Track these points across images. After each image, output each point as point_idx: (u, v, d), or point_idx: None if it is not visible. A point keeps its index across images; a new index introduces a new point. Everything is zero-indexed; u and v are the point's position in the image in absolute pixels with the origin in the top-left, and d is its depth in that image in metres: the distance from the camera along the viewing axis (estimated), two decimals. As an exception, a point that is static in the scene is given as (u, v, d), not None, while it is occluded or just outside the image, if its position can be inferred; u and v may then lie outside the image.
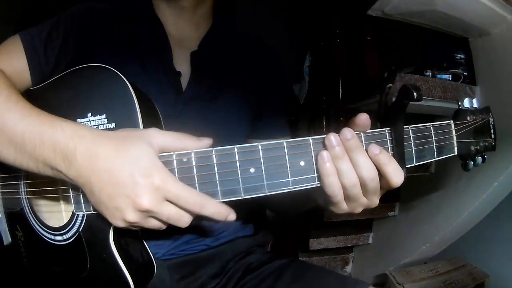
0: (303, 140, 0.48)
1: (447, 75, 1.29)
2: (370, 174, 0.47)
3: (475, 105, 0.57)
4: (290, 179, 0.48)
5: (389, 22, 1.25)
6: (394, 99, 0.48)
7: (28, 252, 0.65)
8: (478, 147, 0.55)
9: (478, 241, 1.27)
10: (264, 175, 0.48)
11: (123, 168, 0.45)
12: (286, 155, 0.48)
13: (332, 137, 0.47)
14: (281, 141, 0.48)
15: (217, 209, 0.48)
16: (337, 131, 0.48)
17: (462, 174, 1.20)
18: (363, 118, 0.49)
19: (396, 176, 0.48)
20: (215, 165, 0.47)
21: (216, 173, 0.47)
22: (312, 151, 0.48)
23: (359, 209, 0.51)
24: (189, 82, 0.73)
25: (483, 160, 0.56)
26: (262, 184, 0.48)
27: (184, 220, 0.48)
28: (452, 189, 1.25)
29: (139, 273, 0.57)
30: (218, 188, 0.48)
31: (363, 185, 0.48)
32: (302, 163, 0.48)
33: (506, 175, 1.07)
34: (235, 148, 0.47)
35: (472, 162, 0.55)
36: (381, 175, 0.48)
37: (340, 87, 1.59)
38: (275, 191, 0.48)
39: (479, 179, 1.15)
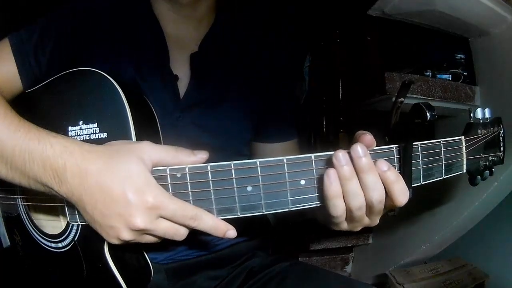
0: (305, 158, 0.45)
1: (447, 75, 1.30)
2: (379, 196, 0.44)
3: (487, 115, 0.54)
4: (289, 198, 0.46)
5: (389, 22, 1.25)
6: (396, 109, 0.46)
7: (26, 256, 0.65)
8: (487, 162, 0.53)
9: (478, 241, 1.27)
10: (262, 194, 0.45)
11: (115, 186, 0.43)
12: (286, 173, 0.45)
13: (341, 155, 0.42)
14: (281, 158, 0.45)
15: (215, 224, 0.46)
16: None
17: (462, 174, 1.20)
18: (369, 139, 0.45)
19: (402, 196, 0.45)
20: (211, 182, 0.46)
21: (212, 191, 0.46)
22: (314, 170, 0.45)
23: (358, 228, 0.49)
24: (188, 87, 0.68)
25: (491, 173, 0.54)
26: (260, 203, 0.46)
27: (180, 233, 0.47)
28: (452, 188, 1.25)
29: (136, 280, 0.57)
30: (214, 206, 0.46)
31: (369, 207, 0.45)
32: (302, 182, 0.45)
33: (506, 175, 1.07)
34: (232, 164, 0.45)
35: (479, 177, 0.53)
36: (386, 193, 0.45)
37: (340, 87, 1.59)
38: (273, 211, 0.46)
39: (479, 179, 1.15)
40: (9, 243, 0.66)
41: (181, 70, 0.69)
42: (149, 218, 0.44)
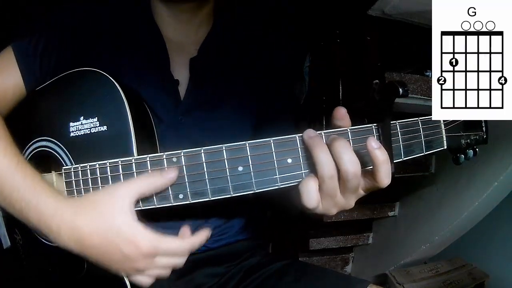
0: (290, 138, 0.49)
1: (447, 75, 1.29)
2: (354, 169, 0.45)
3: None
4: (278, 176, 0.49)
5: (389, 22, 1.25)
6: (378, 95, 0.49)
7: (27, 255, 0.65)
8: (468, 140, 0.55)
9: (478, 241, 1.27)
10: (252, 173, 0.49)
11: (110, 246, 0.48)
12: (273, 153, 0.48)
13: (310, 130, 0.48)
14: (268, 139, 0.48)
15: (200, 242, 0.54)
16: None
17: (462, 174, 1.20)
18: (342, 113, 0.49)
19: (387, 178, 0.46)
20: (204, 164, 0.49)
21: (206, 172, 0.49)
22: (299, 148, 0.48)
23: (333, 210, 0.49)
24: (188, 90, 0.69)
25: (475, 153, 0.55)
26: (251, 182, 0.49)
27: (180, 262, 0.53)
28: (452, 189, 1.25)
29: None
30: (208, 186, 0.49)
31: (344, 181, 0.46)
32: (289, 160, 0.49)
33: (506, 175, 1.07)
34: (223, 147, 0.49)
35: (462, 156, 0.55)
36: (370, 173, 0.46)
37: (340, 87, 1.59)
38: (263, 189, 0.49)
39: (479, 179, 1.15)
40: (9, 244, 0.67)
41: (181, 74, 0.70)
42: (147, 261, 0.49)
